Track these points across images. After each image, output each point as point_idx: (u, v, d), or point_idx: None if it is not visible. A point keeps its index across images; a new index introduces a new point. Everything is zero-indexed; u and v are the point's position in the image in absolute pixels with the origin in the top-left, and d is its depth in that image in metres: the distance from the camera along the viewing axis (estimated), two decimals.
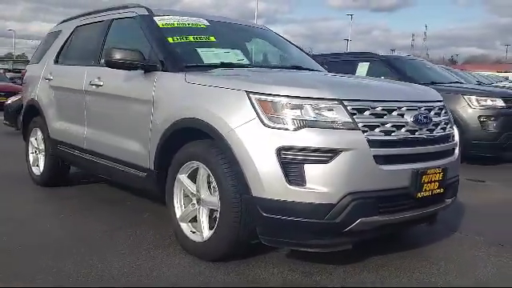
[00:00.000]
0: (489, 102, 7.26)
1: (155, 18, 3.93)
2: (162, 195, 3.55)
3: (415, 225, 3.34)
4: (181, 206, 3.33)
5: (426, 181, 2.96)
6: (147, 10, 4.05)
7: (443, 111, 3.32)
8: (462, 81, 9.61)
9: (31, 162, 5.36)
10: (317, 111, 2.76)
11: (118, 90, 3.85)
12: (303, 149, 2.69)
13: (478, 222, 4.25)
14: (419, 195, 2.95)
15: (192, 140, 3.21)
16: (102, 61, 4.23)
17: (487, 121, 7.16)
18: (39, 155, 5.24)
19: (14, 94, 12.37)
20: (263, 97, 2.83)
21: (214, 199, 3.04)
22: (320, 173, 2.69)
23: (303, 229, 2.79)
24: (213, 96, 3.07)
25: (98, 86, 4.08)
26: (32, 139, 5.36)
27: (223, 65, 3.62)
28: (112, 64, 3.57)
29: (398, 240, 3.65)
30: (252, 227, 2.93)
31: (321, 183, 2.69)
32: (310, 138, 2.70)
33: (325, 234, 2.83)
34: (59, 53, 5.07)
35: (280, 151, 2.71)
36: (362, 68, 8.45)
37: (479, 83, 12.38)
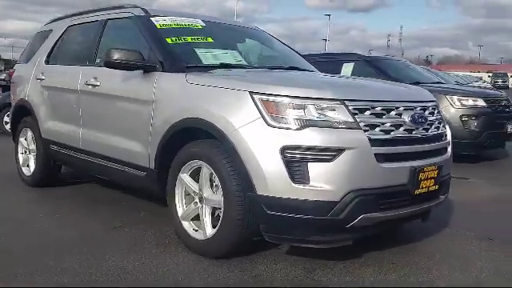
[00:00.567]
0: (470, 102, 7.46)
1: (152, 19, 3.96)
2: (161, 194, 3.60)
3: (411, 221, 3.44)
4: (182, 204, 3.37)
5: (422, 178, 3.07)
6: (143, 10, 4.07)
7: (436, 111, 3.44)
8: (443, 81, 9.83)
9: (21, 163, 5.32)
10: (320, 111, 2.84)
11: (116, 90, 3.86)
12: (307, 148, 2.77)
13: (466, 217, 4.39)
14: (416, 192, 3.06)
15: (194, 140, 3.26)
16: (98, 61, 4.25)
17: (469, 120, 7.35)
18: (29, 155, 5.20)
19: None
20: (267, 97, 2.90)
21: (217, 197, 3.09)
22: (323, 171, 2.77)
23: (307, 225, 2.86)
24: (216, 96, 3.12)
25: (94, 85, 4.08)
26: (22, 139, 5.31)
27: (222, 65, 3.67)
28: (111, 64, 3.59)
29: (393, 236, 3.75)
30: (255, 224, 2.99)
31: (324, 181, 2.77)
32: (314, 137, 2.77)
33: (327, 231, 2.91)
34: (50, 52, 5.04)
35: (284, 150, 2.78)
36: (347, 68, 8.57)
37: (457, 83, 12.66)
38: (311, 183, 2.77)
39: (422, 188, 3.08)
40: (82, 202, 4.52)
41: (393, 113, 3.05)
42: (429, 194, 3.19)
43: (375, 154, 2.85)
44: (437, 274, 3.06)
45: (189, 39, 3.88)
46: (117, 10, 4.37)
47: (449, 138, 3.49)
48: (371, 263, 3.18)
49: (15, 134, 5.45)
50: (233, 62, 3.87)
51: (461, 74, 28.40)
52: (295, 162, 2.78)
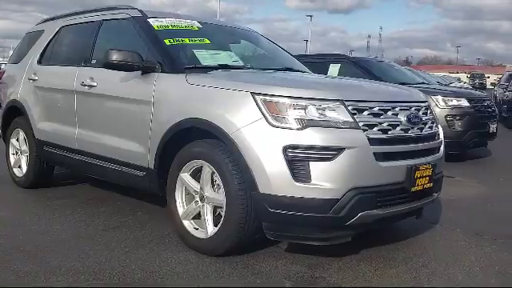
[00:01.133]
0: (454, 102, 7.64)
1: (149, 20, 3.99)
2: (160, 193, 3.64)
3: (406, 217, 3.54)
4: (183, 203, 3.41)
5: (418, 176, 3.17)
6: (140, 11, 4.10)
7: (429, 111, 3.55)
8: (426, 81, 10.02)
9: (12, 164, 5.28)
10: (320, 111, 2.92)
11: (114, 91, 3.88)
12: (308, 147, 2.84)
13: (454, 214, 4.51)
14: (413, 189, 3.16)
15: (194, 140, 3.31)
16: (94, 61, 4.27)
17: (453, 120, 7.54)
18: (21, 156, 5.17)
19: None
20: (268, 97, 2.96)
21: (219, 196, 3.15)
22: (324, 170, 2.85)
23: (308, 223, 2.94)
24: (217, 97, 3.17)
25: (90, 86, 4.10)
26: (13, 140, 5.28)
27: (220, 66, 3.73)
28: (110, 65, 3.61)
29: (386, 233, 3.85)
30: (257, 222, 3.06)
31: (325, 179, 2.85)
32: (315, 137, 2.85)
33: (328, 228, 3.00)
34: (43, 53, 5.01)
35: (286, 149, 2.85)
36: (334, 69, 8.69)
37: (439, 84, 12.90)
38: (313, 181, 2.85)
39: (418, 186, 3.19)
40: (77, 203, 4.52)
41: (389, 113, 3.15)
42: (424, 192, 3.30)
43: (374, 153, 2.94)
44: (432, 269, 3.17)
45: (186, 40, 3.92)
46: (112, 11, 4.39)
47: (441, 137, 3.60)
48: (369, 259, 3.28)
49: (5, 135, 5.41)
50: (230, 62, 3.93)
51: (441, 74, 28.87)
52: (297, 161, 2.85)
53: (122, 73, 3.77)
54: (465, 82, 35.45)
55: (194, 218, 3.37)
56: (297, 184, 2.85)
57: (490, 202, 5.11)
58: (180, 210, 3.41)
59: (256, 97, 2.99)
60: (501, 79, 20.21)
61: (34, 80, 4.89)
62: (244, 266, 3.08)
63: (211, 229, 3.21)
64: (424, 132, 3.33)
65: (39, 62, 5.00)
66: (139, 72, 3.68)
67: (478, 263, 3.31)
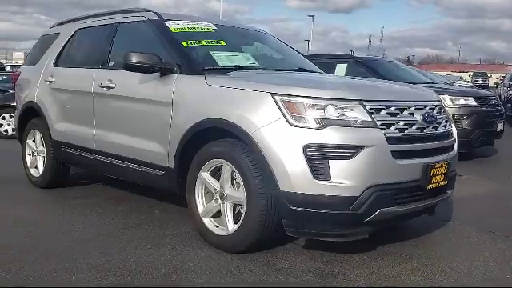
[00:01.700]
0: (462, 101, 7.71)
1: (166, 23, 4.08)
2: (179, 192, 3.72)
3: (421, 215, 3.61)
4: (202, 201, 3.49)
5: (434, 174, 3.25)
6: (157, 14, 4.18)
7: (442, 110, 3.62)
8: (432, 81, 10.08)
9: (29, 164, 5.38)
10: (339, 111, 2.99)
11: (133, 92, 3.96)
12: (328, 146, 2.92)
13: (465, 212, 4.58)
14: (429, 187, 3.24)
15: (214, 139, 3.39)
16: (111, 63, 4.35)
17: (461, 119, 7.60)
18: (38, 157, 5.26)
19: None
20: (288, 98, 3.04)
21: (240, 194, 3.23)
22: (344, 168, 2.93)
23: (328, 220, 3.02)
24: (237, 98, 3.26)
25: (109, 88, 4.18)
26: (29, 141, 5.37)
27: (237, 68, 3.81)
28: (130, 67, 3.70)
29: (400, 230, 3.92)
30: (277, 219, 3.13)
31: (345, 177, 2.93)
32: (335, 136, 2.93)
33: (347, 225, 3.08)
34: (59, 55, 5.10)
35: (306, 148, 2.93)
36: (340, 69, 8.77)
37: (444, 83, 12.96)
38: (332, 179, 2.93)
39: (434, 183, 3.26)
40: (95, 202, 4.60)
41: (406, 112, 3.22)
42: (439, 189, 3.38)
43: (391, 152, 3.02)
44: (448, 264, 3.24)
45: (203, 42, 4.00)
46: (128, 14, 4.47)
47: (455, 135, 3.67)
48: (385, 255, 3.35)
49: (22, 136, 5.50)
50: (246, 64, 4.01)
51: (445, 73, 28.91)
52: (317, 160, 2.93)
53: (141, 74, 3.85)
54: (468, 82, 35.54)
55: (213, 216, 3.45)
56: (317, 182, 2.93)
57: (500, 200, 5.18)
58: (200, 208, 3.49)
59: (276, 97, 3.07)
60: (504, 78, 20.25)
61: (50, 82, 4.98)
62: (265, 263, 3.16)
63: (231, 226, 3.29)
64: (439, 131, 3.41)
65: (55, 64, 5.09)
66: (158, 74, 3.76)
67: (493, 259, 3.38)
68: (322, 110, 2.99)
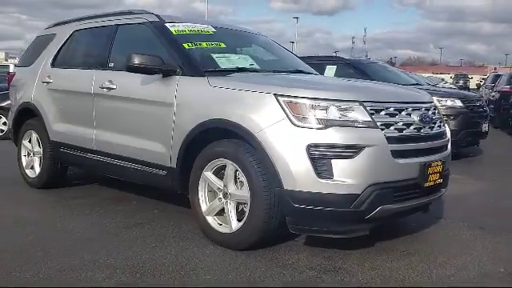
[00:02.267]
0: (448, 103, 7.91)
1: (167, 25, 4.14)
2: (181, 191, 3.79)
3: (415, 212, 3.74)
4: (206, 200, 3.57)
5: (430, 172, 3.38)
6: (157, 16, 4.25)
7: (436, 111, 3.76)
8: (418, 83, 10.27)
9: (24, 165, 5.38)
10: (341, 112, 3.10)
11: (134, 93, 4.02)
12: (331, 145, 3.03)
13: (456, 210, 4.72)
14: (425, 185, 3.36)
15: (217, 140, 3.47)
16: (111, 65, 4.40)
17: (447, 120, 7.74)
18: (34, 158, 5.27)
19: None
20: (291, 99, 3.14)
21: (243, 193, 3.31)
22: (346, 167, 3.04)
23: (330, 217, 3.12)
24: (241, 99, 3.34)
25: (109, 89, 4.23)
26: (25, 142, 5.37)
27: (238, 69, 3.89)
28: (133, 68, 3.76)
29: (396, 227, 4.04)
30: (281, 217, 3.23)
31: (347, 176, 3.03)
32: (337, 136, 3.04)
33: (349, 221, 3.18)
34: (56, 56, 5.13)
35: (309, 148, 3.03)
36: (330, 71, 8.90)
37: (428, 85, 13.20)
38: (335, 178, 3.03)
39: (430, 181, 3.39)
40: (93, 202, 4.64)
41: (403, 113, 3.35)
42: (434, 187, 3.51)
43: (391, 151, 3.14)
44: (444, 259, 3.37)
45: (204, 44, 4.08)
46: (127, 16, 4.52)
47: (448, 136, 3.81)
48: (383, 251, 3.47)
49: (17, 137, 5.50)
50: (247, 66, 4.10)
51: (427, 75, 29.32)
52: (320, 159, 3.03)
53: (142, 76, 3.91)
54: (449, 83, 36.04)
55: (216, 215, 3.53)
56: (320, 180, 3.03)
57: (488, 198, 5.36)
58: (203, 207, 3.56)
59: (279, 98, 3.16)
60: (486, 80, 20.68)
61: (48, 83, 5.00)
62: (268, 259, 3.25)
63: (235, 224, 3.37)
64: (434, 131, 3.54)
65: (52, 65, 5.11)
66: (160, 75, 3.82)
67: (485, 254, 3.52)
68: (325, 111, 3.09)
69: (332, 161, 3.03)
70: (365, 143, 3.05)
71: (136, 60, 3.72)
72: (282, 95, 3.17)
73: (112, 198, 4.85)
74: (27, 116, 5.32)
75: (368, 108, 3.16)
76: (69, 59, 5.04)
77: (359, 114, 3.12)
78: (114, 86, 4.20)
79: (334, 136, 3.04)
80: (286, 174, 3.08)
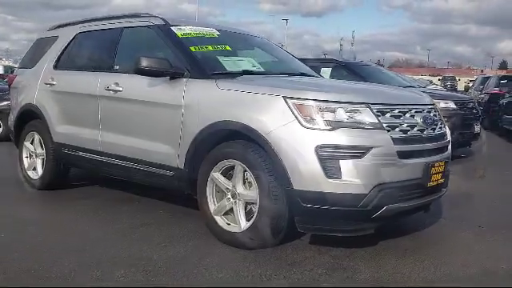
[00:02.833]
0: (442, 105, 8.03)
1: (172, 28, 4.21)
2: (189, 192, 3.86)
3: (417, 212, 3.84)
4: (214, 200, 3.64)
5: (433, 172, 3.48)
6: (163, 19, 4.31)
7: (437, 113, 3.87)
8: (412, 85, 10.42)
9: (26, 167, 5.41)
10: (348, 113, 3.20)
11: (141, 96, 4.08)
12: (339, 146, 3.12)
13: (454, 209, 4.84)
14: (429, 185, 3.47)
15: (225, 141, 3.54)
16: (117, 67, 4.46)
17: None
18: (36, 159, 5.30)
19: None
20: (300, 101, 3.23)
21: (252, 193, 3.39)
22: (354, 167, 3.13)
23: (338, 216, 3.22)
24: (250, 101, 3.42)
25: (116, 91, 4.28)
26: (27, 143, 5.40)
27: (244, 72, 3.97)
28: (141, 71, 3.83)
29: (398, 226, 4.14)
30: (290, 216, 3.31)
31: (355, 176, 3.13)
32: (345, 137, 3.13)
33: (356, 220, 3.27)
34: (59, 58, 5.16)
35: (318, 149, 3.12)
36: (325, 73, 9.01)
37: (419, 87, 13.37)
38: (343, 178, 3.12)
39: (433, 181, 3.50)
40: (97, 204, 4.69)
41: (407, 115, 3.45)
42: (437, 187, 3.62)
43: (397, 152, 3.24)
44: (447, 256, 3.48)
45: (210, 47, 4.16)
46: (132, 19, 4.58)
47: (449, 137, 3.92)
48: (387, 250, 3.55)
49: (19, 139, 5.52)
50: (252, 68, 4.18)
51: (417, 77, 29.64)
52: (328, 160, 3.12)
53: (149, 78, 3.97)
54: (437, 85, 36.44)
55: (224, 214, 3.60)
56: (329, 180, 3.12)
57: (483, 197, 5.50)
58: (211, 207, 3.63)
59: (288, 100, 3.25)
60: (474, 82, 20.98)
61: (51, 84, 5.04)
62: (276, 258, 3.33)
63: (244, 224, 3.44)
64: (436, 132, 3.64)
65: (55, 67, 5.15)
66: (167, 78, 3.89)
67: (485, 251, 3.63)
68: (333, 113, 3.18)
69: (340, 161, 3.12)
70: (372, 144, 3.14)
71: (144, 63, 3.78)
72: (291, 97, 3.26)
73: (115, 198, 4.90)
74: (29, 118, 5.34)
75: (374, 110, 3.25)
76: (72, 61, 5.08)
77: (366, 116, 3.22)
78: (121, 89, 4.25)
79: (342, 137, 3.13)
80: (295, 174, 3.16)
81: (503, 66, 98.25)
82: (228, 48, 4.30)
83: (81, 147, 4.69)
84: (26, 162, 5.45)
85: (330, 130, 3.14)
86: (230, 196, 3.54)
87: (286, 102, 3.25)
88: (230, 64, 4.05)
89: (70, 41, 5.15)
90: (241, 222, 3.46)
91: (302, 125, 3.18)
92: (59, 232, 3.84)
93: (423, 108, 3.64)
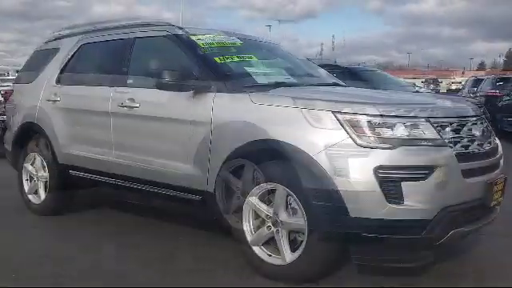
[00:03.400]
0: None
1: (193, 38, 3.84)
2: (220, 218, 3.47)
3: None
4: (251, 229, 3.27)
5: (495, 190, 3.15)
6: (181, 28, 3.94)
7: (487, 123, 3.54)
8: (412, 88, 10.20)
9: (27, 190, 4.96)
10: (408, 129, 2.85)
11: (162, 112, 3.69)
12: (401, 167, 2.77)
13: None
14: (490, 204, 3.14)
15: (262, 162, 3.17)
16: (130, 81, 4.06)
17: None
18: (38, 182, 4.85)
19: None
20: (352, 116, 2.87)
21: (298, 221, 3.02)
22: (417, 190, 2.77)
23: (399, 245, 2.86)
24: (292, 117, 3.04)
25: (131, 107, 3.88)
26: (27, 165, 4.95)
27: (277, 84, 3.60)
28: (163, 85, 3.46)
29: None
30: (343, 247, 2.95)
31: (418, 200, 2.77)
32: (407, 156, 2.78)
33: (417, 249, 2.93)
34: (61, 72, 4.73)
35: (377, 170, 2.76)
36: None
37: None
38: (406, 202, 2.77)
39: (494, 200, 3.17)
40: (111, 231, 4.25)
41: (465, 128, 3.11)
42: (495, 206, 3.28)
43: (462, 170, 2.90)
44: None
45: (235, 58, 3.78)
46: (144, 28, 4.19)
47: (501, 150, 3.60)
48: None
49: (17, 160, 5.07)
50: (283, 80, 3.81)
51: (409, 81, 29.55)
52: (389, 182, 2.76)
53: (169, 93, 3.59)
54: (421, 88, 36.52)
55: (263, 244, 3.23)
56: (390, 205, 2.76)
57: None
58: (249, 237, 3.26)
59: (338, 115, 2.89)
60: (466, 84, 20.88)
61: (54, 101, 4.61)
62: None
63: (289, 255, 3.07)
64: (492, 145, 3.32)
65: (58, 82, 4.72)
66: (191, 92, 3.51)
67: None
68: (390, 129, 2.83)
69: (402, 183, 2.77)
70: (436, 163, 2.80)
71: (167, 77, 3.40)
72: (340, 112, 2.90)
73: (128, 224, 4.47)
74: (29, 137, 4.90)
75: (435, 125, 2.91)
76: (78, 75, 4.65)
77: (427, 132, 2.87)
78: (137, 105, 3.85)
79: (403, 156, 2.78)
80: (351, 200, 2.80)
81: (481, 66, 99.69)
82: (254, 58, 3.93)
83: (90, 169, 4.27)
84: (26, 185, 4.99)
85: (389, 149, 2.78)
86: (270, 224, 3.16)
87: (337, 118, 2.89)
88: (259, 75, 3.67)
89: (74, 53, 4.72)
90: (285, 253, 3.08)
91: (356, 143, 2.82)
92: (74, 267, 3.41)
93: (476, 120, 3.31)
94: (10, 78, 16.66)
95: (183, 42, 3.81)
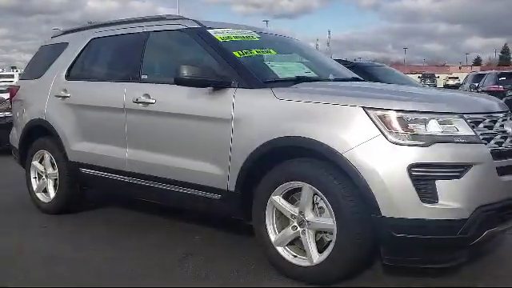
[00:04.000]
0: None
1: (210, 31, 3.72)
2: (243, 218, 3.38)
3: None
4: (274, 229, 3.16)
5: None
6: (197, 22, 3.82)
7: None
8: (419, 84, 10.11)
9: (35, 189, 4.84)
10: (442, 126, 2.74)
11: (179, 108, 3.57)
12: (436, 165, 2.67)
13: None
14: None
15: (288, 159, 3.06)
16: (145, 77, 3.94)
17: None
18: (47, 180, 4.73)
19: None
20: (384, 112, 2.76)
21: (326, 221, 2.91)
22: (452, 188, 2.68)
23: (433, 246, 2.76)
24: (320, 113, 2.94)
25: (146, 103, 3.76)
26: (35, 163, 4.83)
27: (298, 79, 3.48)
28: (182, 81, 3.34)
29: None
30: (374, 247, 2.85)
31: (453, 199, 2.67)
32: (442, 154, 2.68)
33: (452, 249, 2.83)
34: (71, 67, 4.60)
35: (411, 168, 2.66)
36: None
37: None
38: (440, 202, 2.67)
39: None
40: (124, 230, 4.15)
41: (497, 124, 3.01)
42: None
43: (497, 168, 2.80)
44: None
45: (254, 52, 3.66)
46: (160, 22, 4.06)
47: None
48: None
49: (24, 158, 4.94)
50: (304, 74, 3.69)
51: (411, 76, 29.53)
52: (423, 180, 2.67)
53: (187, 89, 3.47)
54: (419, 83, 36.49)
55: (288, 245, 3.12)
56: (424, 205, 2.66)
57: None
58: (272, 237, 3.14)
59: (369, 112, 2.78)
60: (466, 79, 20.84)
61: (64, 97, 4.48)
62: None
63: (316, 256, 2.96)
64: None
65: (67, 77, 4.59)
66: (210, 88, 3.39)
67: None
68: (424, 125, 2.73)
69: (436, 182, 2.67)
70: (472, 161, 2.70)
71: (186, 71, 3.28)
72: (372, 108, 2.79)
73: (141, 223, 4.37)
74: (39, 135, 4.77)
75: (468, 121, 2.81)
76: (88, 71, 4.53)
77: (461, 128, 2.77)
78: (153, 101, 3.73)
79: (438, 153, 2.67)
80: (384, 198, 2.69)
81: (477, 61, 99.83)
82: (273, 52, 3.81)
83: (103, 167, 4.15)
84: (34, 183, 4.87)
85: (423, 146, 2.68)
86: (296, 224, 3.05)
87: (368, 114, 2.78)
88: (280, 70, 3.56)
89: (83, 48, 4.59)
90: (312, 254, 2.97)
91: (389, 140, 2.71)
92: (89, 268, 3.31)
93: (506, 116, 3.20)
94: (5, 73, 16.48)
95: (200, 36, 3.69)
